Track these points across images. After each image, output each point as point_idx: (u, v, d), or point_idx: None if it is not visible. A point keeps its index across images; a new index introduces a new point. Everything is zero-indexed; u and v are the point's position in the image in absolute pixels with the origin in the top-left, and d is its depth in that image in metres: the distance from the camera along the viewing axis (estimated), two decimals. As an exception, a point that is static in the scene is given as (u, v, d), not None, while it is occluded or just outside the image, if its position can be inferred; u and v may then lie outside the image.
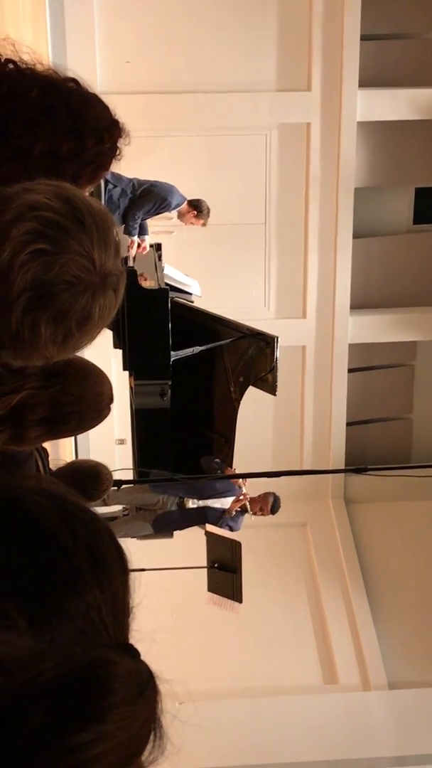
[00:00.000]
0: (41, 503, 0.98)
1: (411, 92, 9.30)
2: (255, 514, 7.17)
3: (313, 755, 7.60)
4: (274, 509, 7.21)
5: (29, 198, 1.47)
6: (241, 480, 7.07)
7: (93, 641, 0.90)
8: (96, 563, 0.96)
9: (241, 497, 7.12)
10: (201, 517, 7.08)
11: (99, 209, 1.53)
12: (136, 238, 7.38)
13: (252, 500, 7.16)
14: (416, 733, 7.86)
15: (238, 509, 7.12)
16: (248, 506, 7.06)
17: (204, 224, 7.92)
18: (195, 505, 7.19)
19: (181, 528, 7.27)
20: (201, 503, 7.18)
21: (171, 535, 7.36)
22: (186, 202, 7.73)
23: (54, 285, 1.45)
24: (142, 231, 7.52)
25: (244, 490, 7.13)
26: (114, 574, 0.97)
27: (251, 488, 7.30)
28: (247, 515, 7.18)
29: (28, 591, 0.90)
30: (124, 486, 7.13)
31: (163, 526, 7.19)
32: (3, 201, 1.49)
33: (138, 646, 0.92)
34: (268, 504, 7.17)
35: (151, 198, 7.38)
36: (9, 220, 1.45)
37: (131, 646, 0.91)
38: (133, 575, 1.02)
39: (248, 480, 7.05)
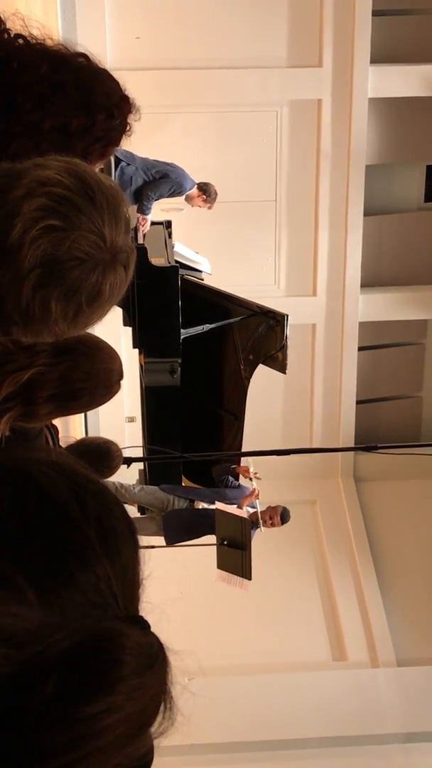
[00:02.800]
0: (50, 475, 0.98)
1: (423, 68, 9.22)
2: (266, 526, 7.13)
3: (322, 731, 7.65)
4: (284, 519, 7.19)
5: (40, 174, 1.47)
6: (252, 482, 7.02)
7: (103, 613, 0.90)
8: (106, 535, 0.96)
9: (253, 493, 7.06)
10: (210, 523, 6.93)
11: (109, 186, 1.53)
12: (149, 217, 7.38)
13: (261, 513, 7.10)
14: (424, 710, 7.91)
15: (250, 512, 7.04)
16: (260, 519, 7.00)
17: (210, 207, 7.91)
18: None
19: (190, 536, 7.11)
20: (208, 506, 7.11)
21: (175, 542, 7.18)
22: (195, 186, 7.71)
23: (64, 261, 1.45)
24: (145, 210, 7.51)
25: (254, 485, 7.06)
26: (124, 545, 0.98)
27: (260, 470, 7.24)
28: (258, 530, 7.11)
29: (37, 563, 0.90)
30: (134, 487, 7.13)
31: (173, 525, 7.03)
32: (14, 177, 1.49)
33: (148, 617, 0.92)
34: (278, 514, 7.15)
35: (168, 182, 7.44)
36: (20, 196, 1.45)
37: (141, 618, 0.92)
38: (142, 550, 1.02)
39: (259, 466, 7.00)
